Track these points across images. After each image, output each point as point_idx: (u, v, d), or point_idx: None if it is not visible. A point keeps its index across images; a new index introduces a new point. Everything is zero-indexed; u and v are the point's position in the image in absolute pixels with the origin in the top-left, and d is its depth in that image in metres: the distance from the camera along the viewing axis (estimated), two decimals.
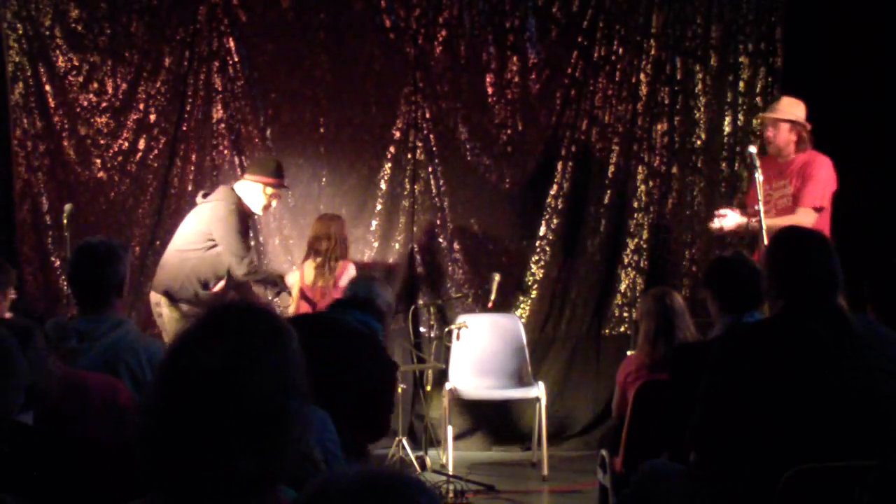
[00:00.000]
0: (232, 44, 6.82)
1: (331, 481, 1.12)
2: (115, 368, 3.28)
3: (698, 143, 6.98)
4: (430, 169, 6.98)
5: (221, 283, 5.61)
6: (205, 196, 5.83)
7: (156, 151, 6.75)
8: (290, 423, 1.50)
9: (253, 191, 5.77)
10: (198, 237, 5.63)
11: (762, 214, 4.85)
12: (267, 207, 5.90)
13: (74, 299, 3.54)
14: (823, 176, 5.23)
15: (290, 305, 6.03)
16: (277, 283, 5.84)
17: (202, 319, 1.56)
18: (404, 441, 5.69)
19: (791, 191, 5.25)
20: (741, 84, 6.93)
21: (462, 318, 6.24)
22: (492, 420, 6.77)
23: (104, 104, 6.67)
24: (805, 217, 5.09)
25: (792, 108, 5.37)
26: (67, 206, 5.85)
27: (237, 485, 1.45)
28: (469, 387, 6.17)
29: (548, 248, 7.03)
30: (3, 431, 1.91)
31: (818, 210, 5.18)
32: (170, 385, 1.50)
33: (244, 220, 5.73)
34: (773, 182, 5.29)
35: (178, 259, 5.60)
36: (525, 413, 6.65)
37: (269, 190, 5.78)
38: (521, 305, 6.96)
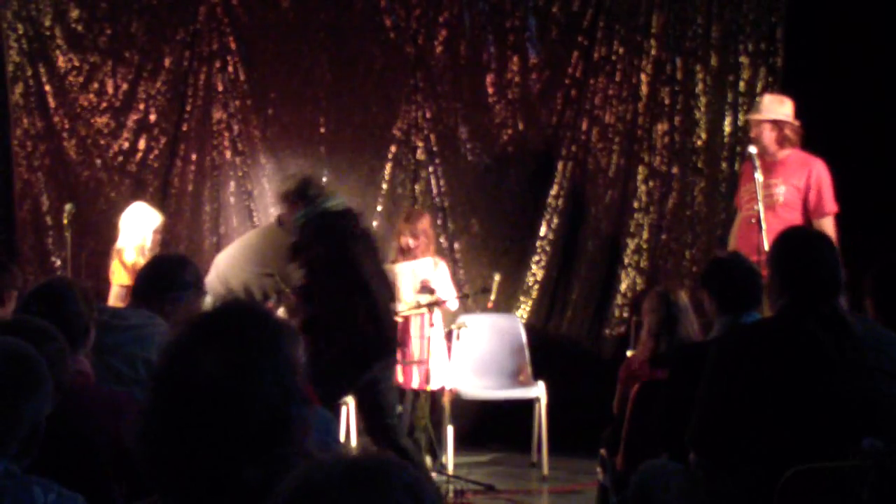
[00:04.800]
0: (232, 44, 6.82)
1: (314, 467, 1.12)
2: (133, 358, 3.35)
3: (699, 143, 6.97)
4: (430, 169, 6.98)
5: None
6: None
7: (156, 151, 6.75)
8: (293, 428, 1.50)
9: None
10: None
11: (762, 214, 4.86)
12: None
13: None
14: (828, 181, 5.29)
15: None
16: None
17: (198, 324, 1.55)
18: None
19: (784, 189, 5.26)
20: (741, 84, 6.92)
21: (462, 318, 6.23)
22: (492, 420, 6.76)
23: (104, 104, 6.67)
24: (828, 226, 5.12)
25: (773, 107, 5.38)
26: (67, 206, 5.85)
27: (243, 493, 1.44)
28: (469, 387, 6.17)
29: (548, 248, 7.03)
30: (38, 439, 1.92)
31: (833, 214, 5.25)
32: (170, 393, 1.49)
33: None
34: (762, 180, 5.28)
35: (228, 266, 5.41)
36: (525, 413, 6.64)
37: None
38: (521, 305, 6.96)
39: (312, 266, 4.59)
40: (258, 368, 1.49)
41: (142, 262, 5.56)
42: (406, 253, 6.07)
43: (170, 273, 3.61)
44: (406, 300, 5.94)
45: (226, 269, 5.31)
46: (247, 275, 5.32)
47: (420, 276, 5.96)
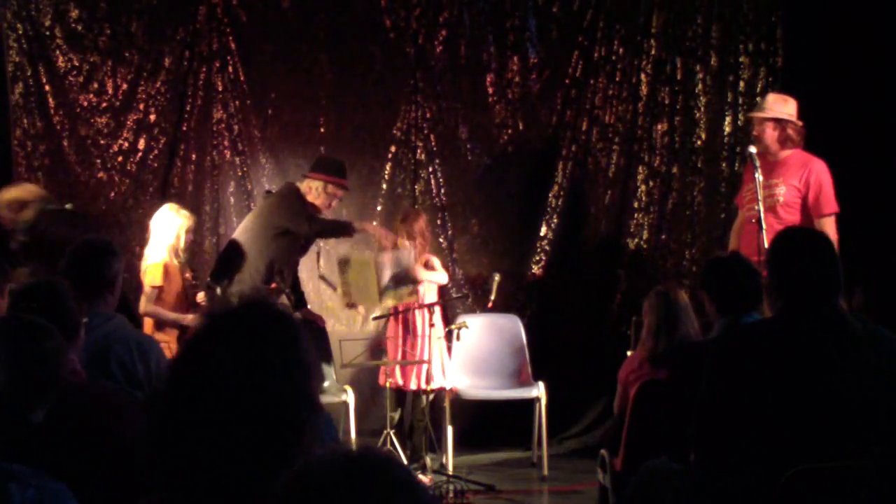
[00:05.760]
0: (232, 44, 6.82)
1: (313, 463, 1.13)
2: (106, 360, 3.33)
3: (698, 143, 6.98)
4: (430, 169, 6.99)
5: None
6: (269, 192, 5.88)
7: (156, 151, 6.75)
8: (304, 431, 1.50)
9: (314, 188, 5.68)
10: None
11: (762, 214, 4.86)
12: (328, 206, 5.78)
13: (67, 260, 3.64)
14: (828, 181, 5.25)
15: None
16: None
17: (219, 323, 1.54)
18: (392, 434, 5.68)
19: (784, 190, 5.25)
20: (741, 84, 6.93)
21: (462, 318, 6.24)
22: (492, 420, 6.76)
23: (104, 104, 6.66)
24: (828, 226, 5.09)
25: (777, 106, 5.36)
26: (67, 206, 5.85)
27: (248, 493, 1.44)
28: (469, 387, 6.17)
29: (548, 248, 7.03)
30: (14, 430, 1.90)
31: (834, 215, 5.20)
32: (183, 392, 1.48)
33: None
34: (763, 180, 5.28)
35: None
36: (525, 413, 6.64)
37: (330, 188, 5.68)
38: (522, 305, 6.96)
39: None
40: (275, 369, 1.48)
41: (176, 263, 5.58)
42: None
43: (108, 265, 3.60)
44: (388, 290, 5.86)
45: (248, 249, 5.54)
46: (266, 241, 5.47)
47: (402, 265, 5.85)
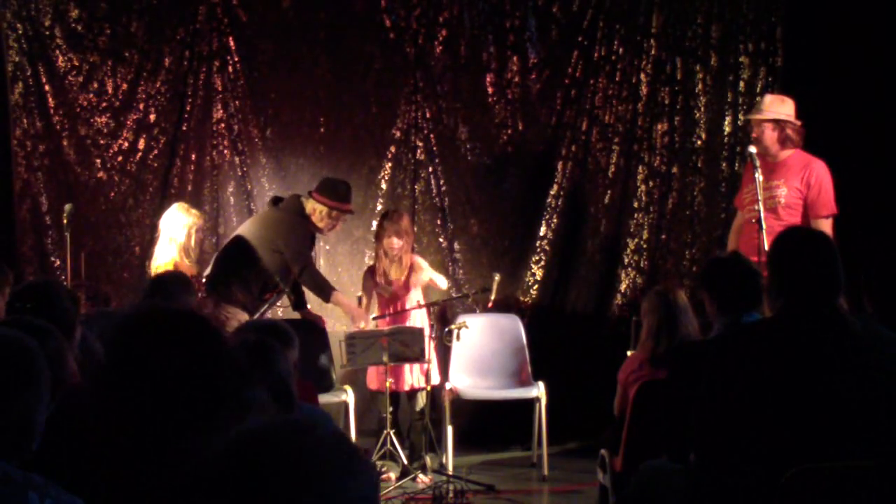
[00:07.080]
0: (232, 44, 6.82)
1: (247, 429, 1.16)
2: None
3: (698, 143, 6.98)
4: (430, 169, 6.98)
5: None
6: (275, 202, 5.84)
7: (156, 151, 6.75)
8: (250, 409, 1.56)
9: (318, 211, 5.70)
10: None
11: (762, 215, 4.86)
12: (331, 229, 5.83)
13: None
14: (828, 182, 5.24)
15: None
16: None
17: (170, 322, 1.60)
18: (392, 434, 5.67)
19: (785, 191, 5.25)
20: (741, 84, 6.93)
21: (462, 318, 6.23)
22: (492, 420, 6.76)
23: (104, 104, 6.67)
24: (825, 228, 5.08)
25: (775, 107, 5.36)
26: (67, 206, 5.85)
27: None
28: (469, 387, 6.17)
29: (548, 248, 7.03)
30: (31, 438, 1.91)
31: (831, 217, 5.19)
32: (160, 396, 1.53)
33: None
34: (763, 181, 5.28)
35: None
36: (525, 413, 6.64)
37: (334, 213, 5.70)
38: (522, 305, 6.96)
39: None
40: (225, 359, 1.54)
41: (188, 262, 5.60)
42: (390, 257, 5.93)
43: (186, 288, 4.44)
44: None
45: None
46: (267, 255, 5.53)
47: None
